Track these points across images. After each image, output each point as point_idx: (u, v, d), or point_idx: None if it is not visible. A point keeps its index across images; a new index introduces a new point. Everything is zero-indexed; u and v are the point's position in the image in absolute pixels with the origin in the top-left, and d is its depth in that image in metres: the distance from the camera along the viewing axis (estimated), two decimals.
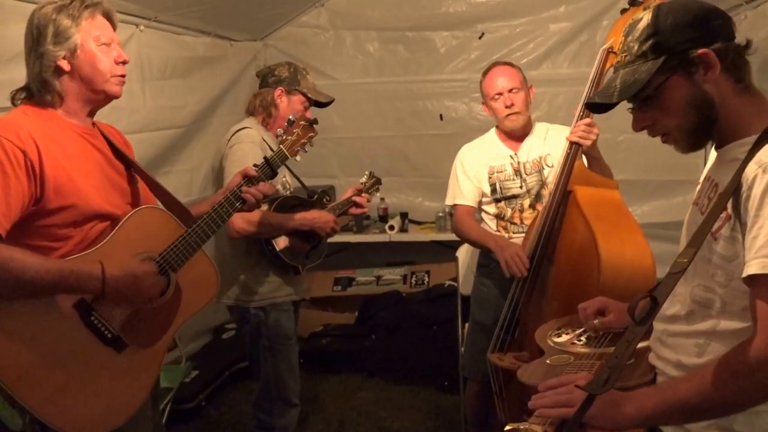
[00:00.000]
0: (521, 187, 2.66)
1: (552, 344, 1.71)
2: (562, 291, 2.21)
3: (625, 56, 1.29)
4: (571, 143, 2.30)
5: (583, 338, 1.69)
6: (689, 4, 1.26)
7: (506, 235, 2.66)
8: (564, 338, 1.73)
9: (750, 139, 1.21)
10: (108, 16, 1.75)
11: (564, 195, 2.29)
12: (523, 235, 2.59)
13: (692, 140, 1.29)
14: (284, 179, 2.66)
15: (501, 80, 2.61)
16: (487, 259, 2.73)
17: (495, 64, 2.74)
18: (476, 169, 2.71)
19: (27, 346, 1.55)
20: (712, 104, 1.24)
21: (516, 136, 2.70)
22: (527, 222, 2.63)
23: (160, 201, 1.93)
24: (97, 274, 1.60)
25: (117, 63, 1.73)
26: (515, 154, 2.69)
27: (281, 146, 2.10)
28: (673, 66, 1.23)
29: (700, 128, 1.27)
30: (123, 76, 1.75)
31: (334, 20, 4.50)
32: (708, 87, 1.23)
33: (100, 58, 1.70)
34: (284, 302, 2.60)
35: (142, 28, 3.14)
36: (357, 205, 2.72)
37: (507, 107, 2.60)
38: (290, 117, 2.18)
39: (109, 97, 1.76)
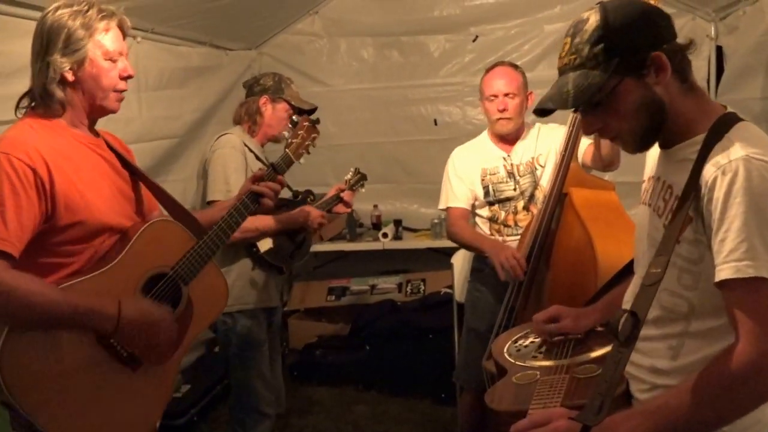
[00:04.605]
0: (515, 189, 2.61)
1: (512, 360, 1.60)
2: (558, 295, 2.16)
3: (574, 59, 1.24)
4: (566, 146, 2.26)
5: (542, 349, 1.61)
6: (634, 4, 1.24)
7: (500, 238, 2.61)
8: (522, 351, 1.64)
9: (698, 138, 1.22)
10: (121, 26, 1.69)
11: (559, 198, 2.26)
12: (518, 237, 2.55)
13: (641, 142, 1.29)
14: None
15: (499, 83, 2.57)
16: (481, 264, 2.66)
17: (499, 63, 2.69)
18: (469, 171, 2.66)
19: (45, 373, 1.50)
20: (663, 106, 1.23)
21: (509, 138, 2.66)
22: (521, 224, 2.58)
23: (165, 207, 1.90)
24: (113, 313, 1.56)
25: (122, 78, 1.68)
26: (508, 156, 2.64)
27: (287, 150, 2.10)
28: (625, 69, 1.21)
29: (650, 131, 1.26)
30: (124, 91, 1.70)
31: (328, 27, 4.46)
32: (659, 89, 1.22)
33: (106, 74, 1.64)
34: (254, 309, 2.54)
35: (139, 39, 3.10)
36: (342, 202, 2.73)
37: (499, 111, 2.56)
38: (293, 118, 2.20)
39: (106, 112, 1.72)
